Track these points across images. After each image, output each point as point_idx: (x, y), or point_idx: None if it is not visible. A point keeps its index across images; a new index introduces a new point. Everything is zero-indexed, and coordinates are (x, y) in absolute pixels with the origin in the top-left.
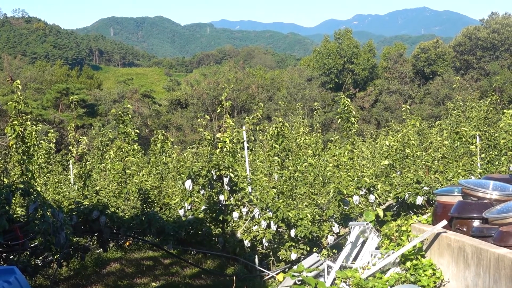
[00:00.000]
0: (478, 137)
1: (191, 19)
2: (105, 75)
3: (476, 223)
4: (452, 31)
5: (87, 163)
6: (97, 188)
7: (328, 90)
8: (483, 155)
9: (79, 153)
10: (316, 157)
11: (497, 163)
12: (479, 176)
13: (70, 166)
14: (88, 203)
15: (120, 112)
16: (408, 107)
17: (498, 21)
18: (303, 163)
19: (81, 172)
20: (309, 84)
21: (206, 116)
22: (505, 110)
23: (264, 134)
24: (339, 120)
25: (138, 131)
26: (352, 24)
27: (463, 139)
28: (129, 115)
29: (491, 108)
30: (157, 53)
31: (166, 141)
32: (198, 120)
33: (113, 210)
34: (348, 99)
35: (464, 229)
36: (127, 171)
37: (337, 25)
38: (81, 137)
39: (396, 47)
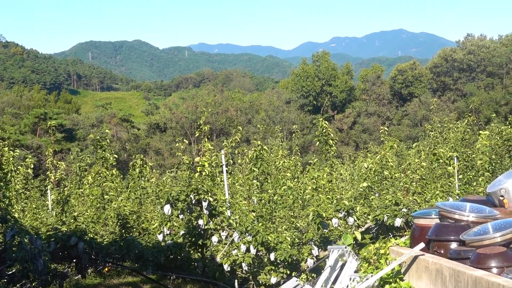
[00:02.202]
0: (455, 158)
1: (170, 42)
2: (83, 99)
3: (453, 245)
4: (428, 52)
5: (65, 188)
6: (75, 214)
7: (306, 113)
8: (460, 176)
9: (57, 179)
10: (295, 180)
11: (474, 184)
12: (457, 197)
13: (48, 191)
14: (66, 229)
15: (98, 137)
16: (386, 128)
17: (474, 43)
18: (282, 186)
19: (59, 197)
20: (287, 107)
21: (184, 140)
22: (481, 132)
23: (243, 157)
24: (318, 142)
25: (116, 155)
26: (329, 47)
27: (441, 161)
28: (107, 140)
29: (468, 129)
30: (135, 77)
31: (145, 165)
32: (177, 144)
33: (91, 235)
34: (326, 122)
35: (442, 252)
36: (106, 196)
37: (315, 47)
38: (59, 162)
39: (373, 69)
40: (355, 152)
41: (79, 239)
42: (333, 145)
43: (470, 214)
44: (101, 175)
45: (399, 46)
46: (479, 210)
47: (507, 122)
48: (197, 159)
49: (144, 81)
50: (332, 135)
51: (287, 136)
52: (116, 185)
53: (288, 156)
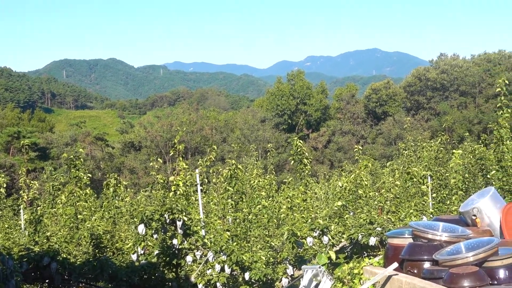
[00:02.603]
0: (429, 177)
1: (145, 61)
2: (58, 117)
3: (426, 265)
4: (402, 71)
5: (38, 208)
6: (48, 233)
7: (281, 131)
8: (434, 195)
9: (30, 198)
10: (270, 199)
11: (448, 202)
12: (431, 216)
13: (21, 211)
14: (38, 249)
15: (72, 156)
16: (360, 147)
17: (447, 62)
18: (257, 205)
19: (31, 217)
20: (262, 125)
21: (159, 159)
22: (454, 151)
23: (217, 176)
24: (292, 161)
25: (90, 175)
26: (304, 66)
27: (415, 179)
28: (81, 159)
29: (441, 148)
30: (110, 95)
31: (119, 184)
32: (151, 163)
33: (64, 256)
34: (301, 141)
35: (415, 271)
36: (79, 216)
37: (290, 66)
38: (32, 181)
39: (348, 88)
40: (330, 170)
41: (52, 259)
42: (308, 164)
43: (443, 233)
44: (75, 194)
45: (373, 65)
46: (452, 230)
47: (480, 141)
48: (171, 178)
49: (119, 100)
50: (306, 154)
51: (262, 155)
52: (90, 204)
53: (263, 175)
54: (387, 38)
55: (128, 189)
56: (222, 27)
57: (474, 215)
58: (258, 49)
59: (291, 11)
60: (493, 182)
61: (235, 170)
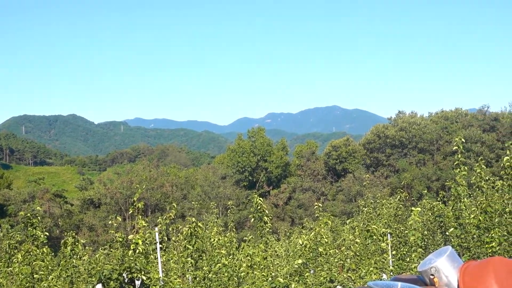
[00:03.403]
0: (388, 234)
1: (105, 117)
2: (16, 174)
3: None
4: (362, 129)
5: None
6: None
7: (242, 188)
8: (394, 252)
9: None
10: (230, 257)
11: (408, 259)
12: (391, 274)
13: None
14: None
15: (29, 214)
16: (321, 204)
17: (405, 120)
18: (217, 264)
19: None
20: (223, 182)
21: (117, 217)
22: (412, 208)
23: (177, 234)
24: (252, 219)
25: (48, 233)
26: (265, 122)
27: (374, 237)
28: (39, 217)
29: (400, 205)
30: (70, 152)
31: (77, 243)
32: (109, 221)
33: None
34: (261, 198)
35: None
36: (35, 275)
37: (250, 123)
38: None
39: (308, 145)
40: (291, 227)
41: None
42: (268, 221)
43: None
44: (31, 253)
45: (333, 122)
46: None
47: (439, 198)
48: (130, 236)
49: (78, 156)
50: (267, 211)
51: (222, 212)
52: (47, 263)
53: (223, 232)
54: (346, 96)
55: (87, 247)
56: (183, 84)
57: (432, 275)
58: (219, 105)
59: (251, 68)
60: (452, 239)
61: (195, 228)
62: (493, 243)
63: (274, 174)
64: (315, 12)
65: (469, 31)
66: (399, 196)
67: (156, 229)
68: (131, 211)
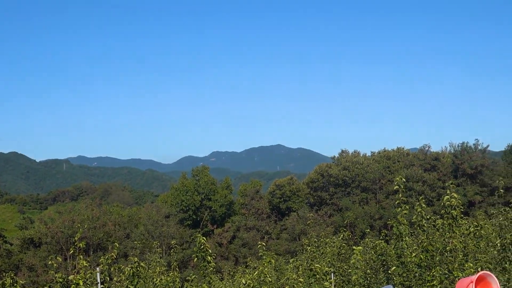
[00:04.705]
0: (332, 273)
1: (47, 155)
2: None
3: None
4: (305, 167)
5: None
6: None
7: (186, 227)
8: None
9: None
10: None
11: None
12: None
13: None
14: None
15: None
16: (265, 243)
17: (348, 159)
18: None
19: None
20: (167, 221)
21: (58, 257)
22: (354, 247)
23: (119, 274)
24: (195, 259)
25: None
26: (209, 161)
27: (317, 276)
28: None
29: (343, 244)
30: (10, 190)
31: (15, 284)
32: (49, 262)
33: None
34: (204, 238)
35: None
36: None
37: (195, 162)
38: None
39: (252, 183)
40: (235, 266)
41: None
42: (211, 260)
43: None
44: None
45: (277, 161)
46: None
47: (381, 237)
48: (71, 277)
49: (19, 194)
50: (210, 250)
51: (166, 251)
52: None
53: (167, 272)
54: (290, 135)
55: None
56: (126, 122)
57: None
58: (163, 144)
59: (195, 107)
60: (394, 278)
61: (138, 268)
62: (435, 281)
63: (218, 212)
64: (259, 53)
65: (406, 72)
66: (342, 235)
67: (98, 269)
68: (72, 251)
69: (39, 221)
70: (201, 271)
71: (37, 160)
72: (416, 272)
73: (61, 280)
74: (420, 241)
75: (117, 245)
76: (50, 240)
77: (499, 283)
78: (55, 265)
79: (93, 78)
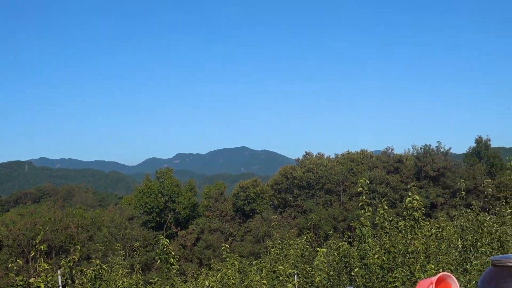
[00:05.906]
0: (295, 275)
1: (8, 156)
2: None
3: None
4: (270, 170)
5: None
6: None
7: (149, 229)
8: None
9: None
10: None
11: None
12: None
13: None
14: None
15: None
16: (228, 245)
17: (312, 161)
18: None
19: None
20: (130, 223)
21: (18, 260)
22: (318, 249)
23: (81, 277)
24: (159, 261)
25: None
26: (173, 163)
27: (281, 278)
28: None
29: (307, 246)
30: None
31: None
32: (9, 265)
33: None
34: (167, 240)
35: None
36: None
37: (158, 163)
38: None
39: (216, 185)
40: (199, 269)
41: None
42: (175, 263)
43: None
44: None
45: (241, 163)
46: None
47: (344, 238)
48: (32, 280)
49: None
50: (173, 253)
51: (129, 253)
52: None
53: (129, 275)
54: (254, 137)
55: None
56: (90, 123)
57: None
58: (127, 146)
59: (159, 108)
60: (357, 280)
61: (100, 271)
62: (397, 283)
63: (182, 215)
64: (223, 53)
65: (369, 75)
66: (306, 237)
67: (59, 272)
68: (33, 254)
69: (0, 224)
70: (165, 274)
71: None
72: (378, 274)
73: (21, 283)
74: (382, 242)
75: (79, 248)
76: (11, 243)
77: (460, 284)
78: (15, 268)
79: (54, 78)
